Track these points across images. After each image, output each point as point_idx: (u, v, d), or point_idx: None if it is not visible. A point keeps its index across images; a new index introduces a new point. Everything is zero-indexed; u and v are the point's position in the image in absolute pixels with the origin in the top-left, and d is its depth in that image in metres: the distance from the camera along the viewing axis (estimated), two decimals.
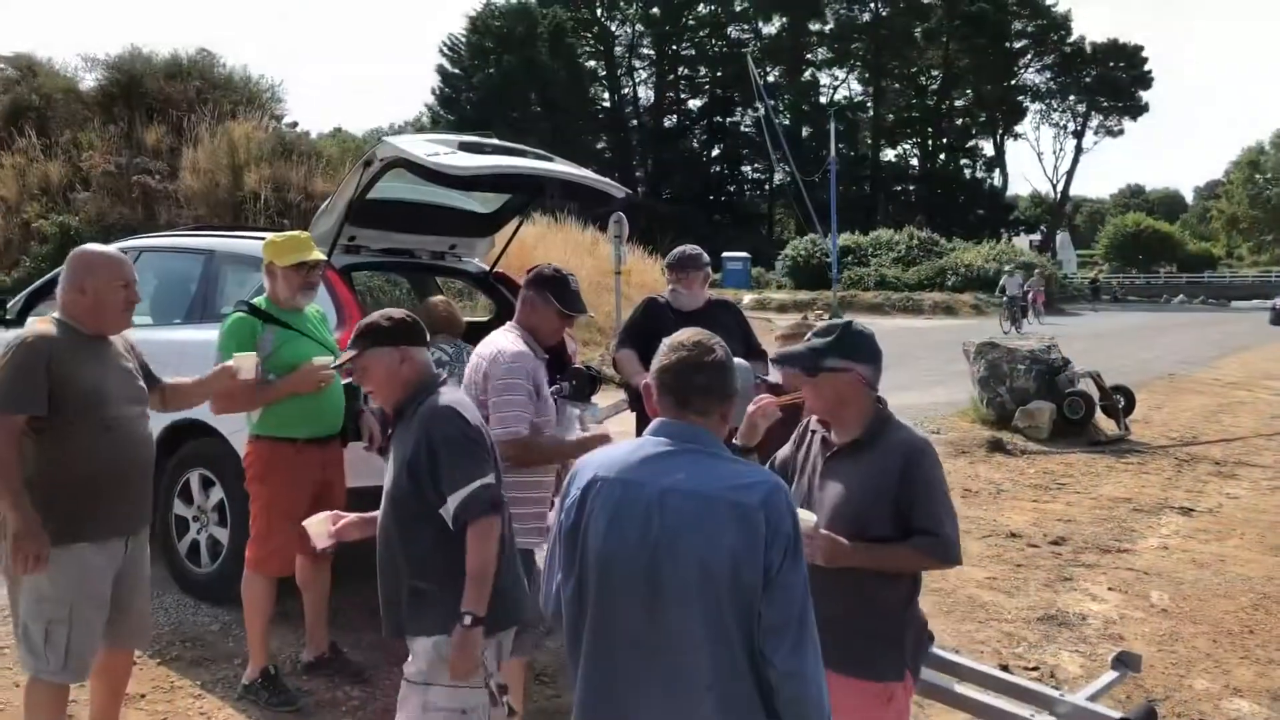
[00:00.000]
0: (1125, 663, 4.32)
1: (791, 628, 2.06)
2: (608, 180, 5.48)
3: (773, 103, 46.40)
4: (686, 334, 2.30)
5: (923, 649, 3.08)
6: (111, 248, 3.64)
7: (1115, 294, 57.81)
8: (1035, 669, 5.26)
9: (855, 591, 2.81)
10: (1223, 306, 52.66)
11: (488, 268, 6.42)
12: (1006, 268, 34.69)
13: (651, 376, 2.29)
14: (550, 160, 5.39)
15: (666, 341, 2.30)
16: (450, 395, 3.06)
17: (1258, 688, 5.21)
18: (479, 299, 12.96)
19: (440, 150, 4.75)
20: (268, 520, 4.37)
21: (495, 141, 5.17)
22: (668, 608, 2.10)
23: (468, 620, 2.84)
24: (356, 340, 3.15)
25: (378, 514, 3.12)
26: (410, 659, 3.02)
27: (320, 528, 3.25)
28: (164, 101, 18.92)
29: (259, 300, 4.55)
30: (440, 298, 5.50)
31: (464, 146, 4.92)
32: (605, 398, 5.08)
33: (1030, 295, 32.32)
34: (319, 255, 4.52)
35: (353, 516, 3.28)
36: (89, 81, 20.18)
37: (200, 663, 4.66)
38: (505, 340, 3.64)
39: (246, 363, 4.00)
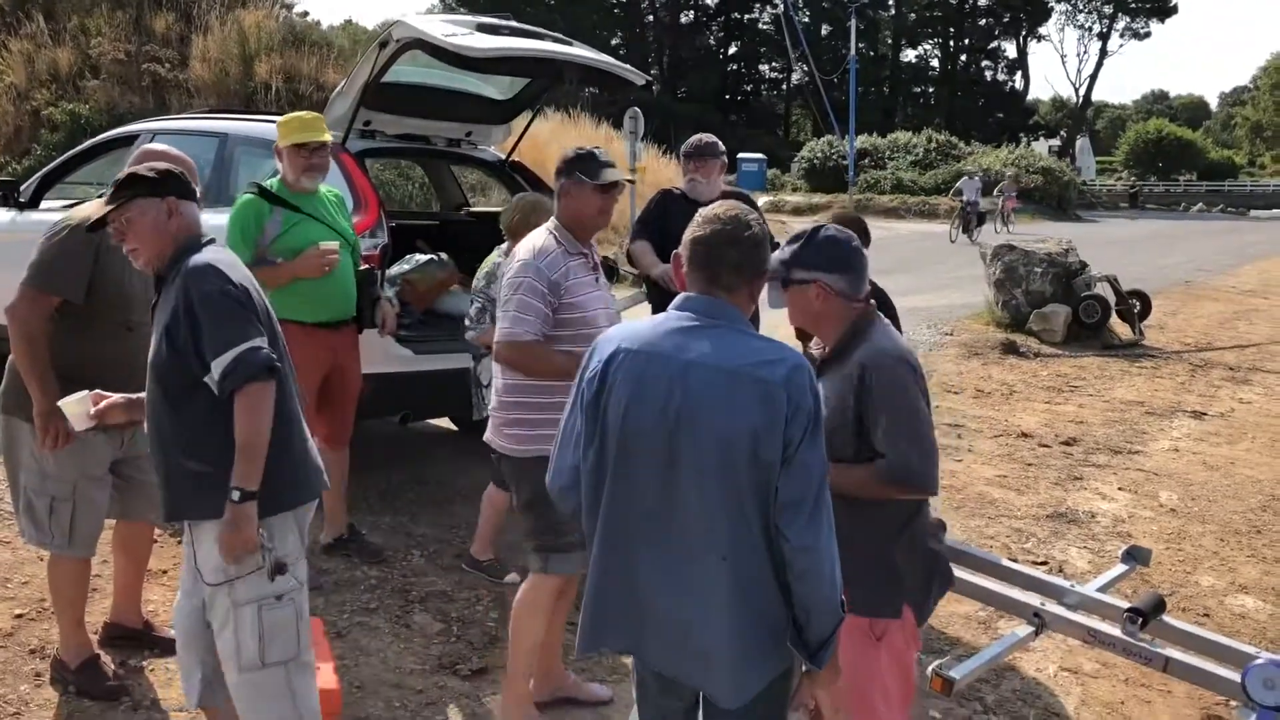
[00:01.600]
0: (1135, 557, 4.35)
1: (807, 503, 2.07)
2: (627, 66, 5.37)
3: None
4: (723, 206, 2.25)
5: (937, 585, 2.86)
6: (176, 150, 3.52)
7: (1133, 201, 57.11)
8: (1044, 563, 5.33)
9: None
10: (1242, 215, 52.02)
11: (504, 156, 6.33)
12: (968, 168, 31.46)
13: (683, 247, 2.25)
14: (569, 44, 5.27)
15: (701, 212, 2.25)
16: (211, 253, 2.74)
17: (1263, 585, 5.27)
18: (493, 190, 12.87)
19: (458, 31, 4.64)
20: None
21: (514, 23, 5.05)
22: (686, 480, 2.11)
23: (236, 496, 2.57)
24: (119, 191, 2.76)
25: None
26: (201, 555, 2.73)
27: (78, 408, 2.93)
28: None
29: (271, 182, 4.51)
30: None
31: (482, 28, 4.81)
32: (620, 291, 5.06)
33: (1000, 201, 29.14)
34: (322, 136, 4.43)
35: (117, 397, 2.95)
36: None
37: None
38: (533, 238, 3.35)
39: (75, 409, 3.22)
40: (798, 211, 31.44)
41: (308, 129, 4.42)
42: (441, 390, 5.20)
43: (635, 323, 2.29)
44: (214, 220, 5.18)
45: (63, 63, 17.08)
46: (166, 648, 3.76)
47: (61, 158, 6.65)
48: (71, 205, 5.48)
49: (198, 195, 2.92)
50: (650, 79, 5.50)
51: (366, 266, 4.65)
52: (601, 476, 2.21)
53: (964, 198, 26.46)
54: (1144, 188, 53.91)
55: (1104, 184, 62.34)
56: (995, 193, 29.02)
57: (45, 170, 6.53)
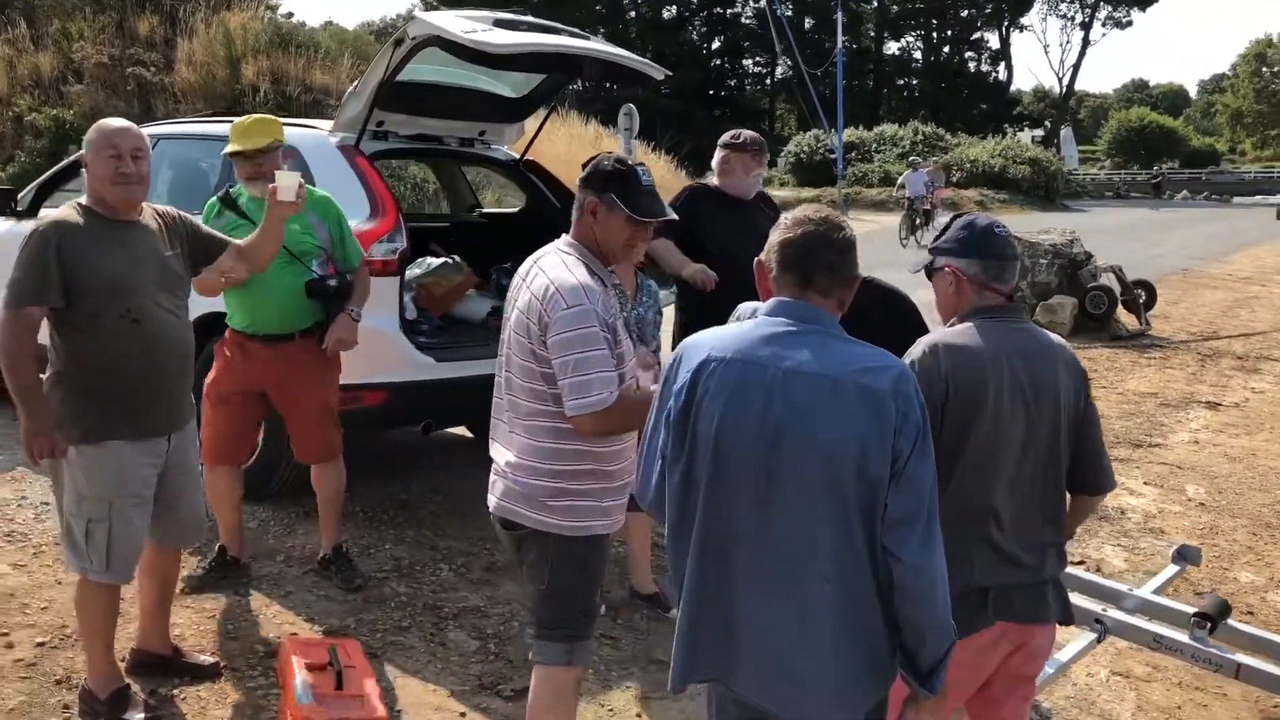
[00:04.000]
0: (1185, 556, 4.28)
1: (920, 520, 1.95)
2: (645, 60, 5.23)
3: None
4: (811, 209, 2.15)
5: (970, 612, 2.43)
6: (118, 119, 3.39)
7: (1118, 190, 57.28)
8: (1081, 563, 5.22)
9: None
10: (1225, 203, 52.24)
11: (517, 156, 6.19)
12: (912, 159, 26.82)
13: (770, 252, 2.12)
14: (587, 39, 5.14)
15: (788, 215, 2.14)
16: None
17: None
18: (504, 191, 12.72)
19: (477, 27, 4.50)
20: (205, 406, 4.27)
21: (530, 19, 4.91)
22: (787, 496, 1.98)
23: None
24: None
25: None
26: None
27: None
28: None
29: (236, 188, 4.37)
30: None
31: (499, 23, 4.67)
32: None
33: (932, 190, 24.56)
34: (259, 142, 4.18)
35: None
36: None
37: None
38: (560, 269, 2.68)
39: (288, 181, 3.61)
40: (785, 205, 31.19)
41: (246, 136, 4.20)
42: (464, 398, 5.05)
43: (723, 329, 2.16)
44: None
45: (45, 67, 16.82)
46: (197, 674, 3.63)
47: (59, 165, 6.47)
48: None
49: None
50: (668, 72, 5.36)
51: (322, 276, 4.27)
52: (690, 494, 2.07)
53: (907, 193, 22.87)
54: (1167, 176, 53.28)
55: (1087, 173, 62.54)
56: (930, 184, 25.07)
57: (43, 178, 6.36)
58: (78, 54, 16.83)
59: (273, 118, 4.44)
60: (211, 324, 5.03)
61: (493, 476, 2.84)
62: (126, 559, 3.33)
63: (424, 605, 4.28)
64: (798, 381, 1.97)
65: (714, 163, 4.81)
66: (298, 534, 4.89)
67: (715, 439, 2.02)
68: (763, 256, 2.17)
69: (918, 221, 21.70)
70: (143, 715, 3.34)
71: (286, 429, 4.45)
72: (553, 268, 2.69)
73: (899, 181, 24.97)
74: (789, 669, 2.02)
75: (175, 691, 3.55)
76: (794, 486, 1.97)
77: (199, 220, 3.79)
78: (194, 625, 4.01)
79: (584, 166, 2.83)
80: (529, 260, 2.81)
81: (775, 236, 2.12)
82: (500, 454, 2.81)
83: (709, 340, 2.11)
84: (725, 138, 4.72)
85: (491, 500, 2.83)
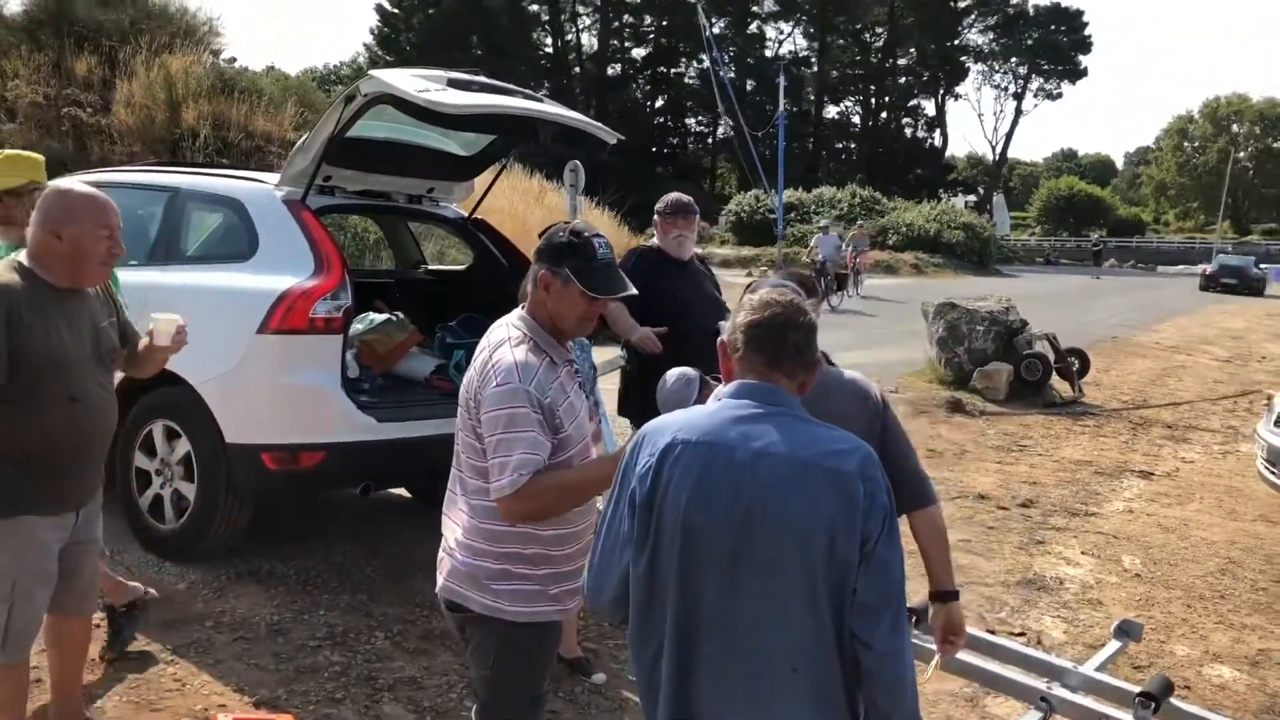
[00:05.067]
0: (1127, 632, 4.28)
1: (890, 606, 1.93)
2: (600, 125, 5.24)
3: (718, 54, 45.90)
4: (775, 291, 2.13)
5: None
6: (94, 188, 3.17)
7: (1048, 257, 58.79)
8: (1021, 634, 5.23)
9: None
10: (1151, 271, 53.85)
11: (465, 214, 6.14)
12: (821, 223, 26.09)
13: (736, 332, 2.09)
14: (539, 100, 5.13)
15: (752, 298, 2.11)
16: None
17: (1236, 653, 5.24)
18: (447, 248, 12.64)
19: (430, 86, 4.46)
20: None
21: (484, 79, 4.88)
22: (757, 581, 1.94)
23: None
24: None
25: None
26: None
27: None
28: (95, 30, 18.01)
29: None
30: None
31: (453, 83, 4.64)
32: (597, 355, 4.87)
33: (856, 257, 24.61)
34: (7, 182, 3.75)
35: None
36: (13, 5, 19.17)
37: (169, 625, 4.40)
38: (503, 345, 2.59)
39: (164, 326, 3.34)
40: (726, 264, 31.61)
41: None
42: (405, 459, 4.95)
43: (688, 411, 2.12)
44: (164, 279, 4.98)
45: None
46: None
47: None
48: None
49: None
50: (621, 137, 5.38)
51: None
52: (656, 584, 2.02)
53: (823, 256, 22.38)
54: (1107, 244, 54.82)
55: (1018, 239, 64.12)
56: (845, 246, 24.88)
57: None
58: (11, 92, 16.49)
59: (34, 157, 3.97)
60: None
61: (440, 553, 2.73)
62: (22, 637, 3.14)
63: (358, 676, 4.14)
64: (766, 464, 1.94)
65: (655, 227, 5.16)
66: (228, 598, 4.73)
67: (682, 523, 1.97)
68: (725, 336, 2.14)
69: (828, 284, 20.81)
70: None
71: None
72: (496, 344, 2.61)
73: (811, 244, 24.50)
74: None
75: None
76: (764, 571, 1.94)
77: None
78: (116, 696, 3.83)
79: (540, 235, 2.73)
80: (487, 333, 2.73)
81: (741, 318, 2.10)
82: (449, 529, 2.71)
83: (673, 423, 2.07)
84: (663, 205, 5.07)
85: (438, 579, 2.71)
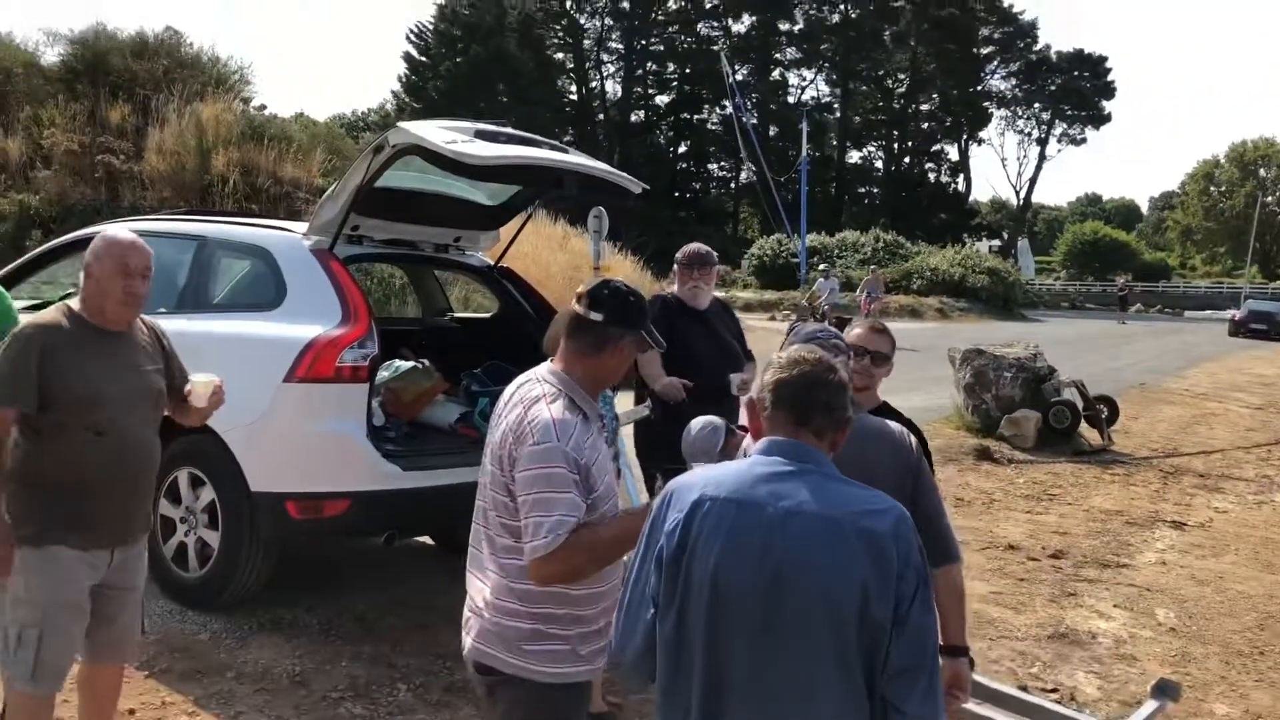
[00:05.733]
0: (1165, 691, 4.18)
1: (925, 671, 1.90)
2: (625, 175, 5.26)
3: (741, 100, 46.24)
4: (805, 349, 2.12)
5: None
6: (130, 233, 3.32)
7: (1074, 301, 58.51)
8: (1054, 690, 5.12)
9: None
10: (1178, 316, 53.47)
11: (491, 262, 6.16)
12: (821, 266, 25.29)
13: (764, 390, 2.08)
14: (566, 152, 5.16)
15: (783, 355, 2.10)
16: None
17: (1277, 712, 5.11)
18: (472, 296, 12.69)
19: (458, 138, 4.50)
20: None
21: (511, 130, 4.92)
22: (788, 642, 1.90)
23: None
24: None
25: None
26: None
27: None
28: (129, 80, 18.39)
29: None
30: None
31: (480, 134, 4.67)
32: (620, 404, 4.84)
33: (871, 301, 23.63)
34: None
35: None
36: (51, 56, 19.58)
37: (191, 676, 4.38)
38: (539, 403, 2.54)
39: (200, 389, 3.45)
40: (749, 308, 31.60)
41: None
42: (430, 508, 4.93)
43: (716, 469, 2.10)
44: (191, 327, 4.99)
45: (13, 152, 16.74)
46: None
47: (28, 255, 6.35)
48: (35, 306, 5.20)
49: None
50: (646, 187, 5.40)
51: None
52: (684, 648, 1.98)
53: (823, 299, 21.66)
54: (1133, 289, 54.33)
55: (1043, 283, 63.90)
56: (859, 292, 24.07)
57: (9, 268, 6.23)
58: (47, 140, 16.79)
59: None
60: (170, 424, 4.91)
61: (466, 613, 2.67)
62: (55, 670, 3.20)
63: None
64: (797, 523, 1.92)
65: (675, 276, 5.28)
66: (251, 648, 4.70)
67: (712, 583, 1.94)
68: (754, 394, 2.12)
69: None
70: None
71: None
72: (530, 400, 2.55)
73: (812, 290, 24.00)
74: None
75: None
76: (794, 632, 1.90)
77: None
78: None
79: (595, 296, 2.62)
80: (511, 386, 2.69)
81: (769, 376, 2.08)
82: (476, 589, 2.64)
83: (701, 479, 2.05)
84: (682, 256, 5.17)
85: (466, 641, 2.64)
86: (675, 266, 5.22)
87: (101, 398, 3.16)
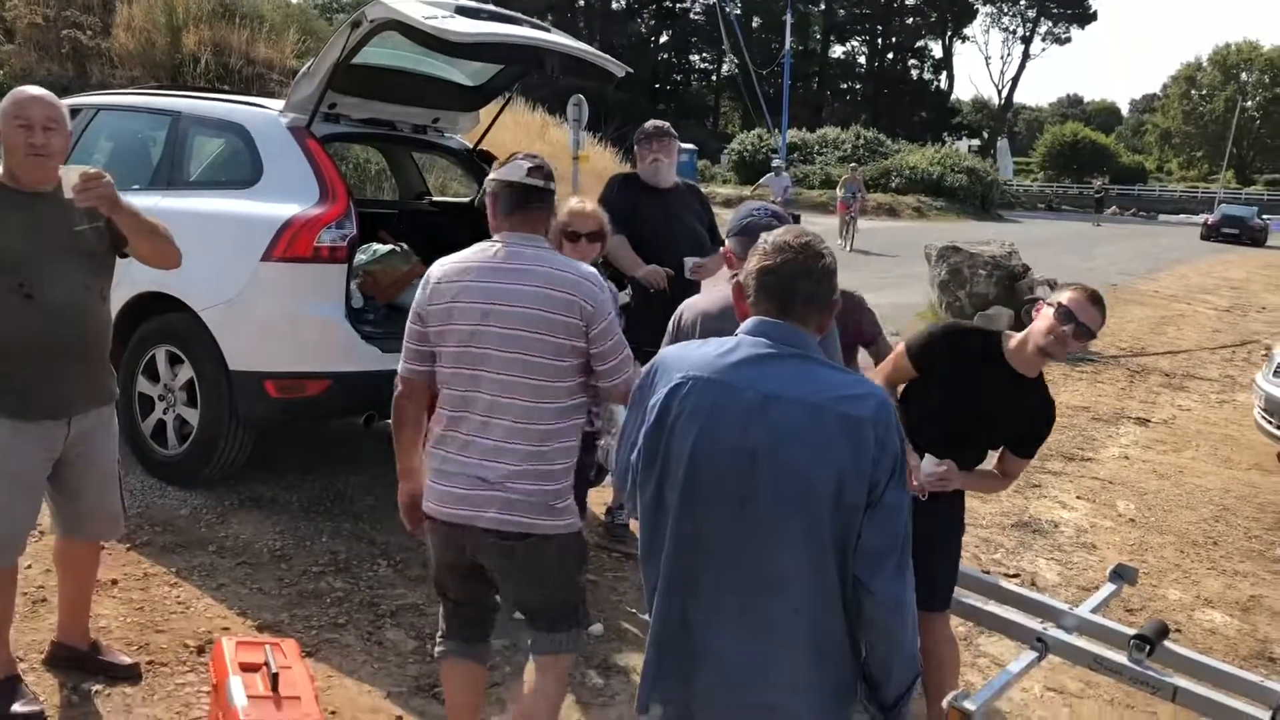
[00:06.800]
0: (1122, 575, 4.32)
1: (894, 551, 1.92)
2: (607, 57, 5.17)
3: None
4: (792, 233, 2.06)
5: None
6: (34, 87, 3.14)
7: (1050, 202, 58.50)
8: (1016, 575, 5.29)
9: None
10: (1152, 220, 53.63)
11: (470, 145, 6.08)
12: (775, 163, 23.13)
13: (749, 276, 2.06)
14: (548, 31, 5.05)
15: (769, 239, 2.05)
16: None
17: (1227, 599, 5.31)
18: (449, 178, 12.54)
19: (438, 13, 4.39)
20: None
21: (492, 8, 4.81)
22: (761, 524, 1.93)
23: None
24: None
25: None
26: None
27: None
28: None
29: None
30: None
31: (461, 10, 4.56)
32: None
33: (851, 202, 22.10)
34: None
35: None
36: None
37: (173, 549, 4.44)
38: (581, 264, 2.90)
39: (69, 178, 3.01)
40: (728, 203, 31.38)
41: None
42: None
43: (700, 346, 2.09)
44: (164, 204, 4.92)
45: None
46: (115, 674, 3.47)
47: None
48: None
49: None
50: (629, 69, 5.31)
51: None
52: (660, 516, 2.02)
53: (773, 197, 20.34)
54: (1109, 192, 54.27)
55: (1021, 184, 63.73)
56: (839, 190, 22.91)
57: None
58: (10, 13, 16.23)
59: None
60: (148, 302, 4.90)
61: (470, 492, 2.71)
62: (2, 542, 3.16)
63: (361, 602, 4.19)
64: (776, 407, 1.92)
65: (636, 155, 5.16)
66: (231, 524, 4.76)
67: (689, 461, 1.96)
68: (740, 278, 2.11)
69: None
70: (25, 708, 3.18)
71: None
72: (574, 266, 2.81)
73: (759, 183, 23.17)
74: (754, 696, 1.98)
75: (99, 687, 3.42)
76: (768, 512, 1.92)
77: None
78: (120, 617, 3.87)
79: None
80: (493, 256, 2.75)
81: (753, 262, 2.05)
82: (486, 469, 2.70)
83: (686, 358, 2.05)
84: (640, 132, 5.07)
85: (486, 515, 2.69)
86: (635, 146, 5.14)
87: (21, 258, 3.03)
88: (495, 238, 2.81)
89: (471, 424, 2.72)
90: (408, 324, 2.85)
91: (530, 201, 2.79)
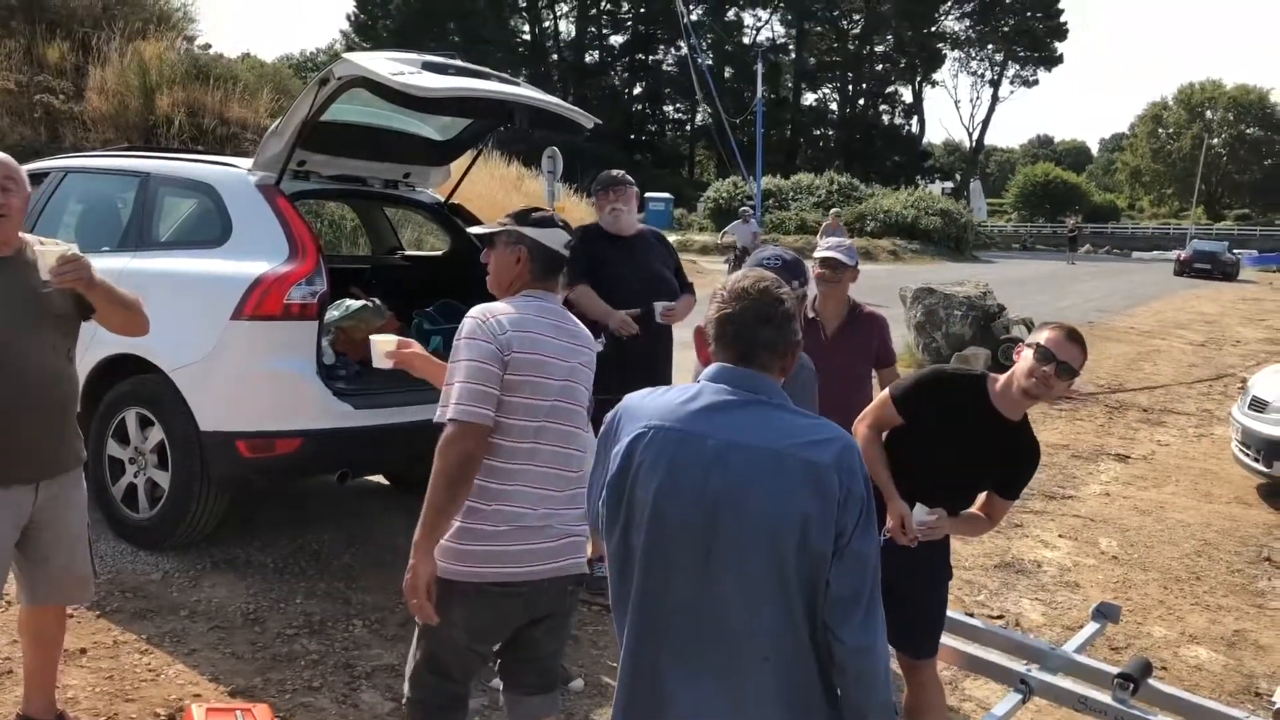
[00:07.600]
0: (1105, 614, 4.31)
1: (863, 599, 1.89)
2: (576, 109, 5.19)
3: (696, 41, 45.80)
4: (750, 278, 2.04)
5: None
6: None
7: (1024, 242, 59.10)
8: (1000, 617, 5.26)
9: None
10: (1125, 257, 54.22)
11: (442, 199, 6.09)
12: (742, 209, 23.03)
13: (709, 322, 2.04)
14: (516, 84, 5.08)
15: (727, 285, 2.05)
16: None
17: (1212, 634, 5.28)
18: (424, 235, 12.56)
19: (405, 69, 4.41)
20: None
21: (459, 63, 4.83)
22: (726, 573, 1.90)
23: None
24: None
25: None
26: None
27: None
28: (67, 16, 17.77)
29: None
30: None
31: (428, 66, 4.59)
32: None
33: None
34: None
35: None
36: None
37: (143, 614, 4.36)
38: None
39: (47, 259, 2.91)
40: (705, 251, 31.57)
41: None
42: (383, 446, 4.91)
43: (663, 393, 2.07)
44: (134, 265, 4.90)
45: None
46: None
47: None
48: None
49: None
50: (597, 121, 5.34)
51: None
52: (628, 564, 1.99)
53: (740, 245, 20.26)
54: (1083, 230, 54.71)
55: (995, 225, 64.41)
56: (819, 238, 23.00)
57: None
58: None
59: None
60: (118, 364, 4.85)
61: (556, 544, 2.75)
62: None
63: (336, 664, 4.11)
64: (737, 455, 1.89)
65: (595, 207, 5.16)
66: (204, 587, 4.68)
67: (652, 509, 1.94)
68: (701, 323, 2.10)
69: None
70: None
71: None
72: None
73: (726, 230, 23.33)
74: None
75: None
76: (733, 561, 1.89)
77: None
78: (89, 687, 3.78)
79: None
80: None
81: (713, 309, 2.04)
82: (565, 516, 2.78)
83: (648, 405, 2.03)
84: (598, 182, 5.08)
85: (571, 562, 2.79)
86: (594, 196, 5.15)
87: None
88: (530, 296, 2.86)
89: (548, 476, 2.78)
90: (481, 365, 2.62)
91: (561, 270, 2.96)
